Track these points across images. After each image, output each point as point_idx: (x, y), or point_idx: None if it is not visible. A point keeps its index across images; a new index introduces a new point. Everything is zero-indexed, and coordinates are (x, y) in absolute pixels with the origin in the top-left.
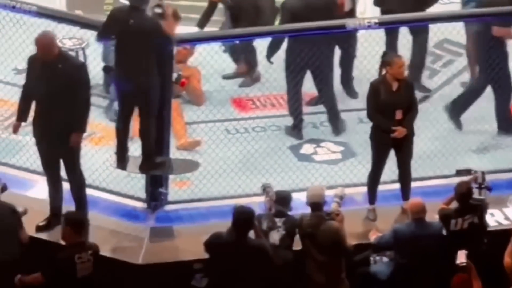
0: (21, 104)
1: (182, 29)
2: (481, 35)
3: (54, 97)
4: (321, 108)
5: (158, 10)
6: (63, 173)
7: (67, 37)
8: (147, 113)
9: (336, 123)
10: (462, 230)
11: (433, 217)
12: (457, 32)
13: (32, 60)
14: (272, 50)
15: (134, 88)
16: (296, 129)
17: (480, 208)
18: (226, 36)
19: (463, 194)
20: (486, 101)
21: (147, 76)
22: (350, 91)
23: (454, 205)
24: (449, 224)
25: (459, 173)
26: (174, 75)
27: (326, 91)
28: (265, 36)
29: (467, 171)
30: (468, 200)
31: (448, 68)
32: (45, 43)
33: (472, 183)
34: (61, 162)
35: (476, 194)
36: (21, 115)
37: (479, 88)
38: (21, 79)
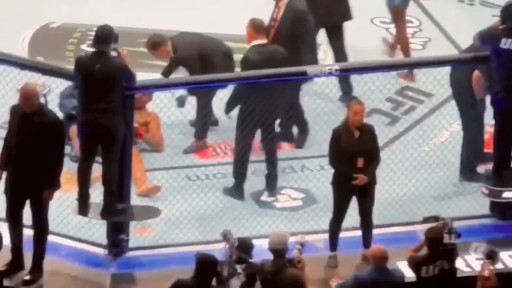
0: (4, 153)
1: (142, 76)
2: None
3: (29, 148)
4: (281, 155)
5: (113, 53)
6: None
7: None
8: (111, 156)
9: (274, 181)
10: (433, 276)
11: (394, 264)
12: (419, 79)
13: (14, 110)
14: (232, 104)
15: (99, 130)
16: (238, 189)
17: (451, 253)
18: (185, 83)
19: (435, 239)
20: (448, 148)
21: (113, 118)
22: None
23: (423, 251)
24: (420, 271)
25: (426, 220)
26: None
27: (273, 146)
28: (225, 83)
29: (435, 218)
30: (439, 246)
31: (410, 115)
32: (27, 92)
33: (442, 228)
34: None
35: (446, 240)
36: (4, 163)
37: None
38: None
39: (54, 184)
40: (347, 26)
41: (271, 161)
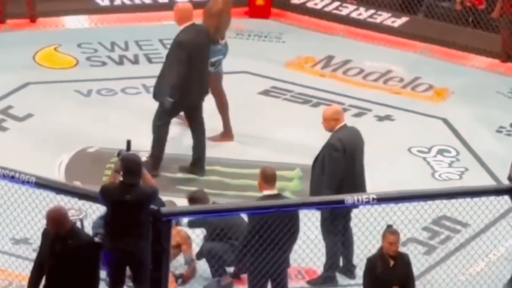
0: (32, 275)
1: (179, 202)
2: None
3: (61, 271)
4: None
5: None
6: None
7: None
8: (141, 280)
9: None
10: None
11: None
12: (455, 209)
13: (46, 232)
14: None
15: (126, 257)
16: None
17: None
18: (214, 210)
19: None
20: (484, 279)
21: (139, 244)
22: None
23: None
24: None
25: None
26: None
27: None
28: (252, 211)
29: None
30: None
31: (446, 245)
32: (54, 217)
33: None
34: None
35: None
36: (32, 286)
37: None
38: (18, 249)
39: None
40: (384, 155)
41: None
